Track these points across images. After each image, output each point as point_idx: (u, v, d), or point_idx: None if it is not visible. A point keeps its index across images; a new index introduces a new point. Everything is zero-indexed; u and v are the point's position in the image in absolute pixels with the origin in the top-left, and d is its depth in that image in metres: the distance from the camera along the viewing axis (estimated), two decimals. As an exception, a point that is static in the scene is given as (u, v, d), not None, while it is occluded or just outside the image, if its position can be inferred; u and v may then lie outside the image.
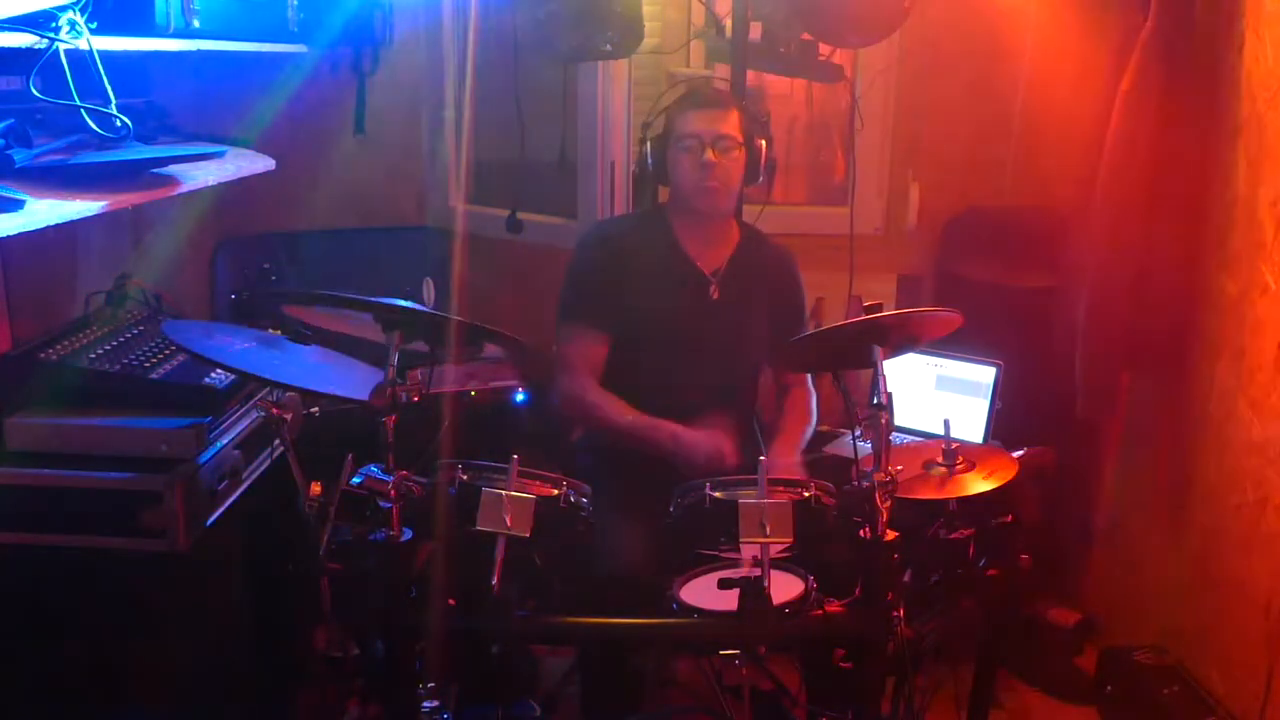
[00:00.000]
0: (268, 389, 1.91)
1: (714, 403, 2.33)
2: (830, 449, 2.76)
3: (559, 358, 2.38)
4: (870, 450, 1.76)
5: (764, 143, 2.34)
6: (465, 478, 1.72)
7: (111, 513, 1.82)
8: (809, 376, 2.51)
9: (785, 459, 2.29)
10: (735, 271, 2.40)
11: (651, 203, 3.03)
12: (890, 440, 1.76)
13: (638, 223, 2.56)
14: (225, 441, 2.00)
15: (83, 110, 1.58)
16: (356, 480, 1.69)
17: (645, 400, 2.27)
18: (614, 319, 2.33)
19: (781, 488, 1.76)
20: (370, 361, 1.90)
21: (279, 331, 2.03)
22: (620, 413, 2.28)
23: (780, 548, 1.75)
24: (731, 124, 2.29)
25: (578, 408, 2.38)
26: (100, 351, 2.02)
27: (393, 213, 3.36)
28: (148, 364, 2.02)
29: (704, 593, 1.78)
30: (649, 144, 2.36)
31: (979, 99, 3.21)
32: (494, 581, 1.65)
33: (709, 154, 2.26)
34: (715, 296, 2.37)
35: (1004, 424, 2.70)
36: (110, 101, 1.61)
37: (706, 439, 2.18)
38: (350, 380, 1.92)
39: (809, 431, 2.44)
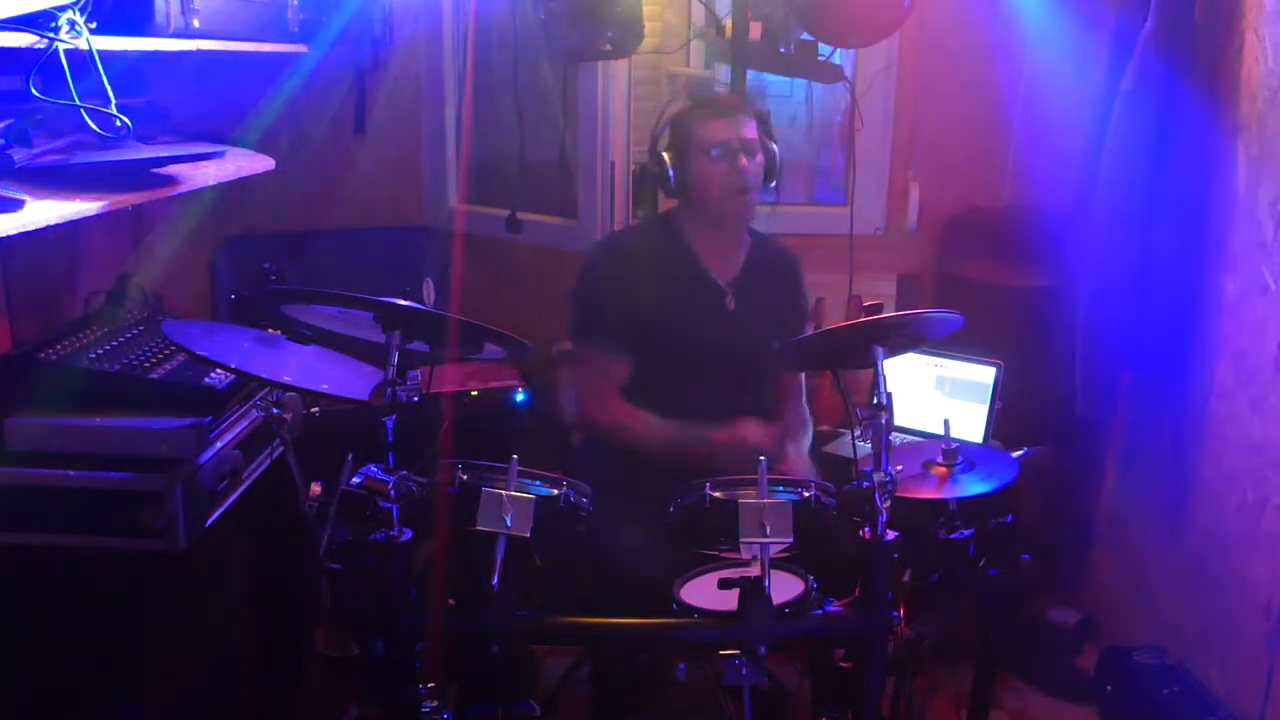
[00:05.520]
0: (268, 389, 1.91)
1: (731, 414, 2.32)
2: (830, 449, 2.76)
3: (575, 379, 2.35)
4: (870, 450, 1.76)
5: (774, 145, 2.34)
6: (465, 478, 1.72)
7: (111, 513, 1.82)
8: (803, 391, 2.50)
9: (796, 466, 2.29)
10: (749, 279, 2.38)
11: (652, 206, 3.03)
12: (890, 440, 1.76)
13: (646, 234, 2.51)
14: (225, 441, 2.00)
15: (83, 110, 1.58)
16: (356, 480, 1.69)
17: (662, 414, 2.26)
18: (630, 337, 2.29)
19: (781, 488, 1.76)
20: (370, 361, 1.90)
21: (279, 331, 2.03)
22: (647, 425, 2.25)
23: (780, 548, 1.75)
24: (752, 128, 2.28)
25: (600, 429, 2.35)
26: (100, 351, 2.02)
27: (393, 213, 3.36)
28: (148, 364, 2.02)
29: (704, 593, 1.78)
30: (665, 156, 2.29)
31: (979, 99, 3.21)
32: (494, 581, 1.65)
33: (742, 160, 2.23)
34: (731, 307, 2.35)
35: (1004, 424, 2.70)
36: (110, 101, 1.61)
37: (733, 438, 2.18)
38: (350, 380, 1.92)
39: (808, 441, 2.44)
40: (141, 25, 1.76)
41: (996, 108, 3.16)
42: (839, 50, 2.85)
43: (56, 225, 1.51)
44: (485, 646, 1.73)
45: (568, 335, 2.36)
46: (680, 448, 2.21)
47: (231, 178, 2.10)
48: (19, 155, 1.55)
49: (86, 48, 1.55)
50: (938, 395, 2.79)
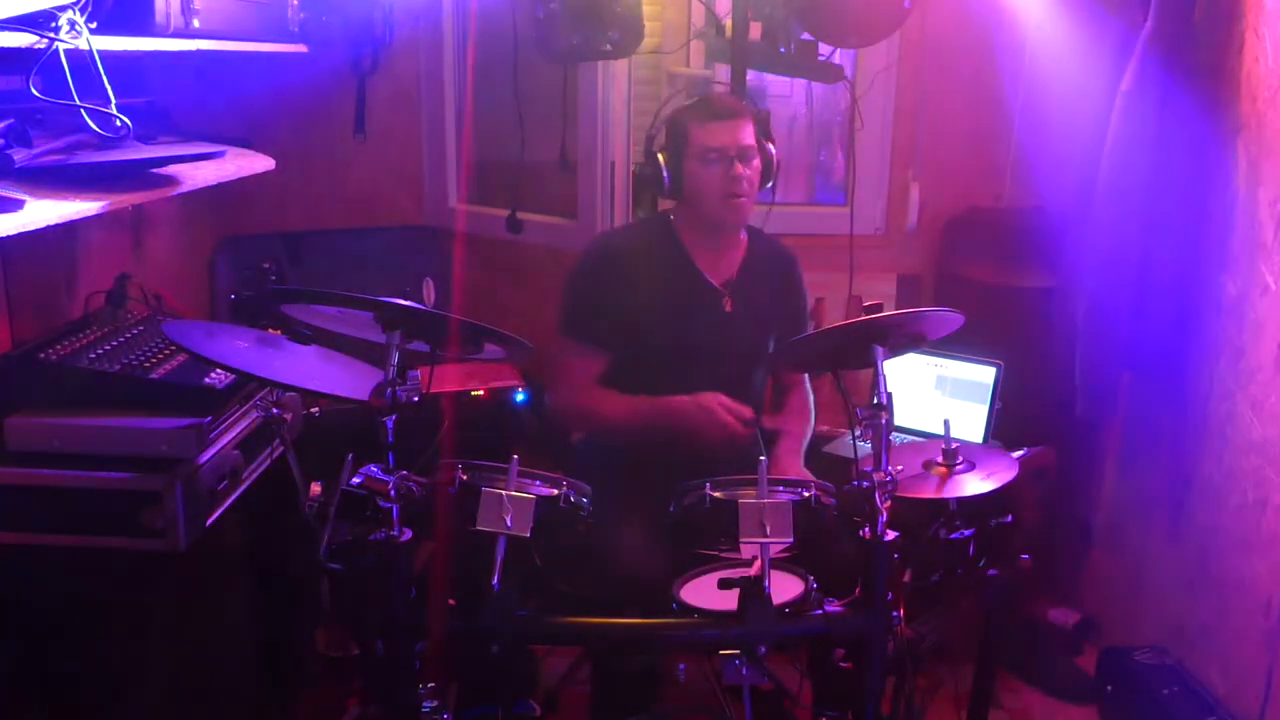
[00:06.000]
0: (268, 389, 1.91)
1: None
2: (830, 449, 2.76)
3: (555, 370, 2.37)
4: (870, 450, 1.76)
5: (771, 145, 2.34)
6: (465, 478, 1.72)
7: (111, 513, 1.82)
8: (806, 380, 2.51)
9: (789, 462, 2.29)
10: (746, 279, 2.38)
11: (652, 206, 3.03)
12: (890, 440, 1.76)
13: (642, 234, 2.49)
14: (225, 441, 2.00)
15: (83, 110, 1.58)
16: (356, 480, 1.69)
17: None
18: (616, 338, 2.30)
19: (781, 488, 1.76)
20: (370, 361, 1.90)
21: (279, 331, 2.03)
22: (614, 405, 2.27)
23: (780, 548, 1.75)
24: (749, 133, 2.26)
25: (571, 414, 2.37)
26: (100, 351, 2.02)
27: (393, 213, 3.37)
28: (148, 364, 2.02)
29: (704, 593, 1.78)
30: (661, 156, 2.29)
31: (979, 99, 3.21)
32: (494, 581, 1.65)
33: (737, 167, 2.22)
34: (728, 309, 2.35)
35: (1004, 424, 2.70)
36: (110, 101, 1.61)
37: (696, 404, 2.19)
38: (350, 380, 1.92)
39: (809, 432, 2.44)
40: (141, 25, 1.76)
41: (996, 108, 3.16)
42: (839, 50, 2.85)
43: (56, 225, 1.51)
44: (485, 646, 1.73)
45: (557, 327, 2.37)
46: (645, 420, 2.22)
47: (231, 178, 2.10)
48: (19, 155, 1.55)
49: (86, 48, 1.55)
50: (938, 395, 2.79)
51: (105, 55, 1.59)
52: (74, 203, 1.56)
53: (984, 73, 3.16)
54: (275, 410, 1.85)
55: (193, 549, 1.86)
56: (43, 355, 1.96)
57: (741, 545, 1.69)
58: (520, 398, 2.83)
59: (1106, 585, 2.97)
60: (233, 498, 2.03)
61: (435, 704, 1.75)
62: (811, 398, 2.50)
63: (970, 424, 2.70)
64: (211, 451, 1.94)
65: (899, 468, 1.77)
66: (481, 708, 1.98)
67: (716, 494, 1.75)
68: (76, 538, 1.83)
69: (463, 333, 1.79)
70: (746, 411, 2.21)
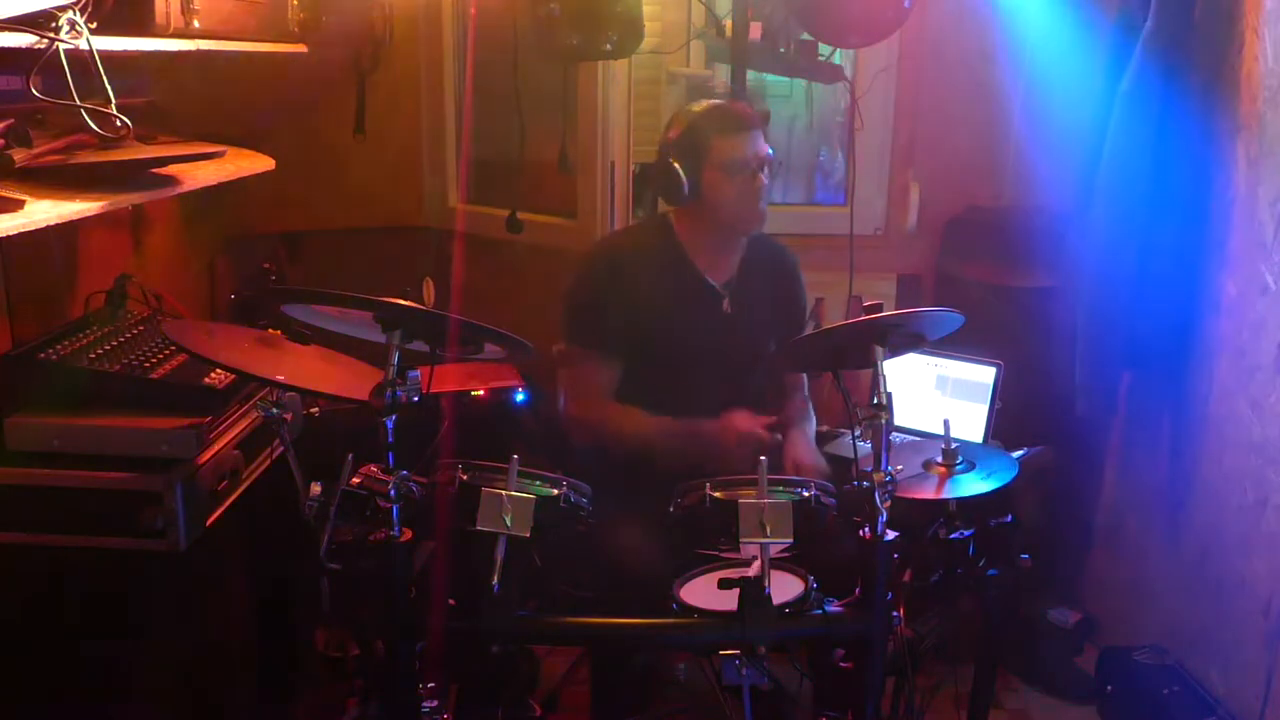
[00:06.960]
0: (268, 389, 1.91)
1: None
2: (830, 449, 2.76)
3: (565, 381, 2.36)
4: (870, 450, 1.76)
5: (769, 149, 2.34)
6: (465, 478, 1.72)
7: (111, 513, 1.82)
8: (804, 385, 2.51)
9: (803, 450, 2.31)
10: (745, 280, 2.38)
11: (652, 206, 3.03)
12: (890, 440, 1.76)
13: (641, 237, 2.49)
14: (225, 441, 2.00)
15: (83, 110, 1.58)
16: (356, 480, 1.69)
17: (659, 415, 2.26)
18: (624, 343, 2.30)
19: (782, 488, 1.76)
20: (370, 361, 1.90)
21: (279, 331, 2.03)
22: (641, 424, 2.26)
23: (780, 548, 1.75)
24: (764, 142, 2.27)
25: (592, 427, 2.35)
26: (100, 351, 2.02)
27: (393, 213, 3.37)
28: (148, 364, 2.03)
29: (704, 593, 1.78)
30: (680, 165, 2.23)
31: (979, 99, 3.21)
32: (494, 581, 1.65)
33: (760, 177, 2.23)
34: (728, 310, 2.35)
35: (1004, 424, 2.70)
36: (110, 101, 1.61)
37: (723, 428, 2.18)
38: (350, 380, 1.92)
39: (812, 431, 2.44)
40: (141, 25, 1.76)
41: (996, 108, 3.16)
42: (839, 50, 2.86)
43: (56, 225, 1.51)
44: (485, 646, 1.73)
45: (561, 336, 2.37)
46: (671, 442, 2.21)
47: (231, 178, 2.10)
48: (19, 155, 1.55)
49: (86, 48, 1.55)
50: (938, 395, 2.78)
51: (105, 55, 1.59)
52: (74, 203, 1.56)
53: (984, 72, 3.16)
54: (275, 410, 1.85)
55: (193, 549, 1.86)
56: (43, 355, 1.96)
57: (741, 545, 1.69)
58: (520, 398, 2.82)
59: (1106, 585, 2.97)
60: (233, 498, 2.03)
61: (435, 704, 1.75)
62: (810, 404, 2.50)
63: (970, 424, 2.69)
64: (211, 451, 1.94)
65: (899, 468, 1.77)
66: (481, 708, 1.98)
67: (716, 494, 1.75)
68: (76, 538, 1.83)
69: (463, 333, 1.79)
70: (769, 420, 2.21)
